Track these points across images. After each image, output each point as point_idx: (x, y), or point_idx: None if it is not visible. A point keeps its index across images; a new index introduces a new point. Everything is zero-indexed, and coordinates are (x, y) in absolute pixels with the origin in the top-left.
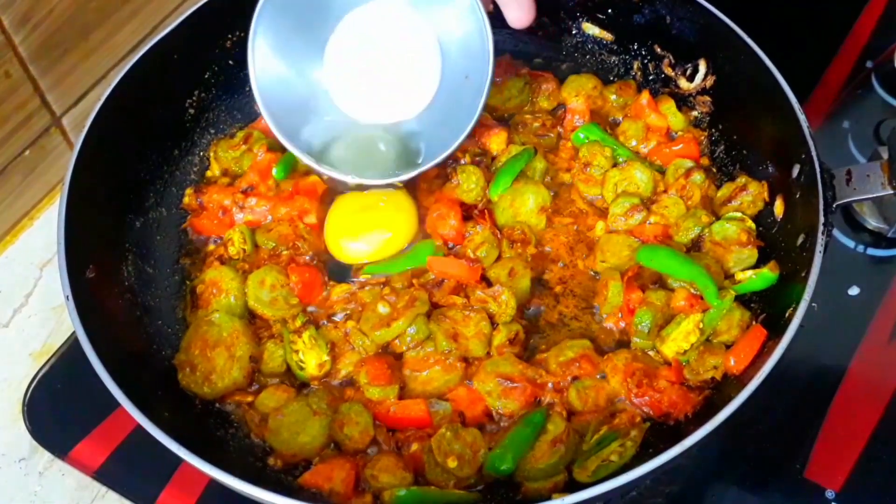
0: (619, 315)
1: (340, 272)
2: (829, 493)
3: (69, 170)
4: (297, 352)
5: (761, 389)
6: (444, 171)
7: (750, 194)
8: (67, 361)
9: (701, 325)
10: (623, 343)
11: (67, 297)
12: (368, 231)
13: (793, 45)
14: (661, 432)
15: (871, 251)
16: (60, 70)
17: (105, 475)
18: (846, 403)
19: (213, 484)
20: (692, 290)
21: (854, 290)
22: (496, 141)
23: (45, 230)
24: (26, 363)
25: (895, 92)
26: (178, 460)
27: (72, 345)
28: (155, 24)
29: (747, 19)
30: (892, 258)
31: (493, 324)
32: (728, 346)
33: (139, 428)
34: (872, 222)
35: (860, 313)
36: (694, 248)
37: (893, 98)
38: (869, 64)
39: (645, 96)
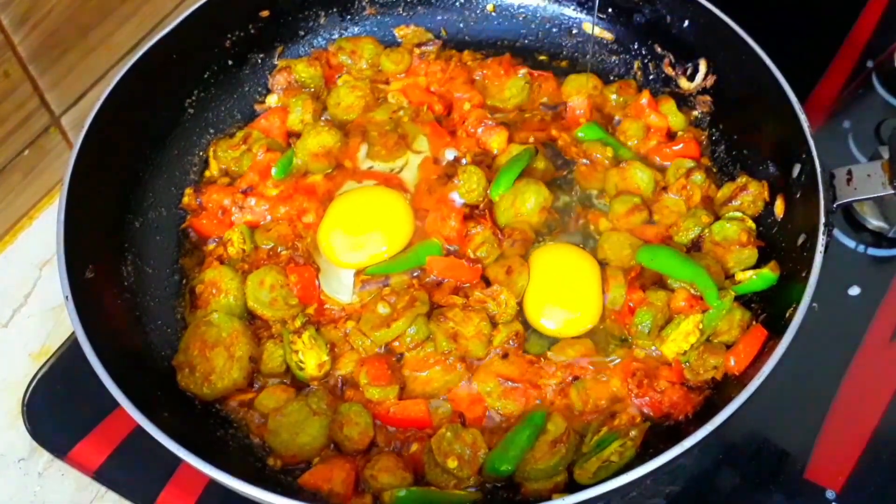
0: (621, 315)
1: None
2: (830, 494)
3: (68, 170)
4: (296, 352)
5: (762, 389)
6: (446, 171)
7: (750, 194)
8: (67, 361)
9: (701, 326)
10: (623, 343)
11: (67, 297)
12: (363, 242)
13: (793, 45)
14: (661, 432)
15: (872, 251)
16: (59, 70)
17: (105, 475)
18: (847, 403)
19: (213, 484)
20: (692, 291)
21: (854, 290)
22: (497, 140)
23: (44, 230)
24: (25, 363)
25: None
26: (178, 460)
27: (71, 345)
28: (154, 23)
29: (747, 19)
30: (892, 258)
31: (494, 324)
32: (728, 347)
33: (139, 428)
34: (873, 222)
35: (860, 313)
36: (694, 248)
37: (894, 98)
38: (869, 63)
39: (645, 96)
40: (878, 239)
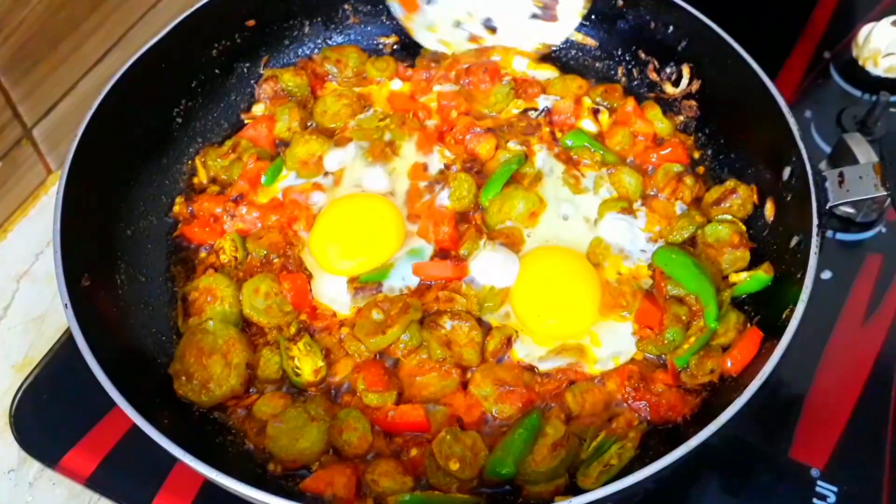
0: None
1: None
2: (815, 472)
3: (62, 179)
4: (292, 358)
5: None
6: (435, 178)
7: (739, 197)
8: (53, 371)
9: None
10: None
11: (66, 305)
12: (354, 249)
13: (753, 37)
14: (659, 434)
15: (841, 236)
16: (31, 81)
17: (97, 482)
18: (825, 384)
19: (207, 488)
20: (693, 303)
21: (826, 274)
22: (485, 147)
23: (19, 243)
24: (9, 375)
25: (853, 81)
26: (171, 465)
27: (56, 354)
28: (121, 33)
29: (708, 12)
30: (861, 242)
31: (486, 329)
32: (724, 349)
33: (129, 434)
34: (842, 208)
35: (833, 296)
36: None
37: (852, 87)
38: (826, 54)
39: (630, 103)
40: (847, 224)
